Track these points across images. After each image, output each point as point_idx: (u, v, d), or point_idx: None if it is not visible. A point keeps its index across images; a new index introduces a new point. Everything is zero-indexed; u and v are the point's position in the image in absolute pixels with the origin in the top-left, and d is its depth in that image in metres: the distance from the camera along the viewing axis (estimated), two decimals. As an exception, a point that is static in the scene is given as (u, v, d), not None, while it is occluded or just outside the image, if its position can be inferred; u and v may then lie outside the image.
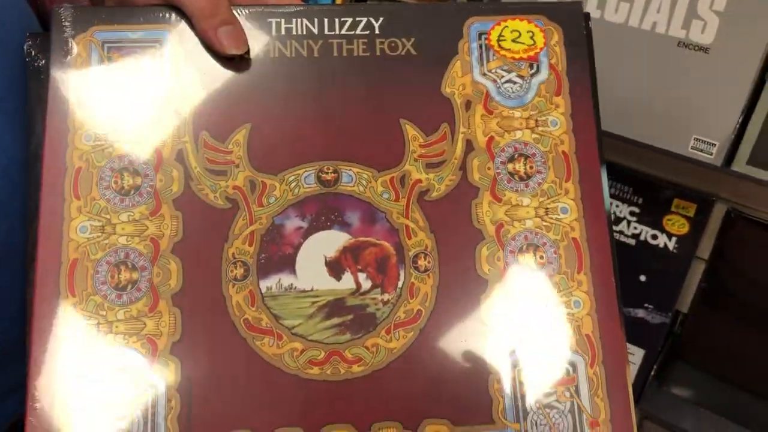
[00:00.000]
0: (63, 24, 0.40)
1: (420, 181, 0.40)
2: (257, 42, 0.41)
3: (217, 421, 0.36)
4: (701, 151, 0.69)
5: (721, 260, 0.80)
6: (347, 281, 0.39)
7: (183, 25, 0.41)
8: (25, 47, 0.41)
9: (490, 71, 0.42)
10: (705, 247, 0.81)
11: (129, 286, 0.37)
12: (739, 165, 0.68)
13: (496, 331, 0.38)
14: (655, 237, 0.82)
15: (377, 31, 0.42)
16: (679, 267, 0.81)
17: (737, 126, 0.66)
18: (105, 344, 0.37)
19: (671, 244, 0.81)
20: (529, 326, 0.38)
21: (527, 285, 0.39)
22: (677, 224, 0.80)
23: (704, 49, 0.66)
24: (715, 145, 0.68)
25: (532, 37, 0.42)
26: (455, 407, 0.37)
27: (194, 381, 0.36)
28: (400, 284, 0.39)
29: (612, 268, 0.39)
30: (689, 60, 0.67)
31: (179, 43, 0.41)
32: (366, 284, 0.39)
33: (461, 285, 0.39)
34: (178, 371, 0.36)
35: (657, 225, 0.82)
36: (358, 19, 0.42)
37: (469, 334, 0.38)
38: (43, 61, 0.40)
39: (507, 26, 0.42)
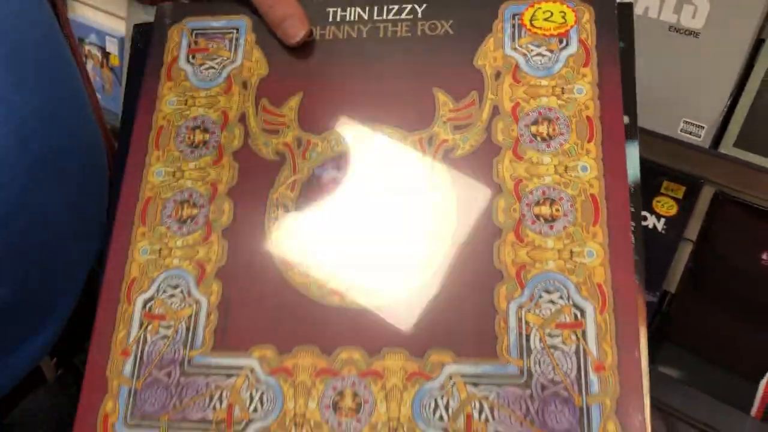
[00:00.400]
0: (164, 16, 0.50)
1: (446, 140, 0.43)
2: (316, 27, 0.48)
3: (246, 335, 0.41)
4: (690, 133, 0.71)
5: (708, 242, 0.82)
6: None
7: (255, 17, 0.49)
8: (132, 34, 0.51)
9: (520, 46, 0.45)
10: (693, 229, 0.83)
11: (189, 220, 0.44)
12: (727, 147, 0.69)
13: (505, 275, 0.40)
14: (644, 218, 0.84)
15: (420, 15, 0.47)
16: (667, 248, 0.83)
17: (725, 109, 0.68)
18: (164, 265, 0.44)
19: (660, 226, 0.83)
20: (539, 271, 0.40)
21: (540, 234, 0.40)
22: (666, 206, 0.82)
23: (695, 34, 0.67)
24: (703, 127, 0.70)
25: (563, 16, 0.45)
26: (460, 340, 0.39)
27: (232, 301, 0.42)
28: None
29: (629, 223, 0.41)
30: (680, 44, 0.68)
31: (252, 30, 0.49)
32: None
33: (475, 231, 0.41)
34: (219, 292, 0.43)
35: (647, 206, 0.84)
36: (403, 6, 0.47)
37: (479, 275, 0.40)
38: (145, 45, 0.50)
39: (540, 8, 0.45)
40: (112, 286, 0.44)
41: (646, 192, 0.84)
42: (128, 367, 0.42)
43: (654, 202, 0.82)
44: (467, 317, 0.39)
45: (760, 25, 0.65)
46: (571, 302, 0.39)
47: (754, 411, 0.80)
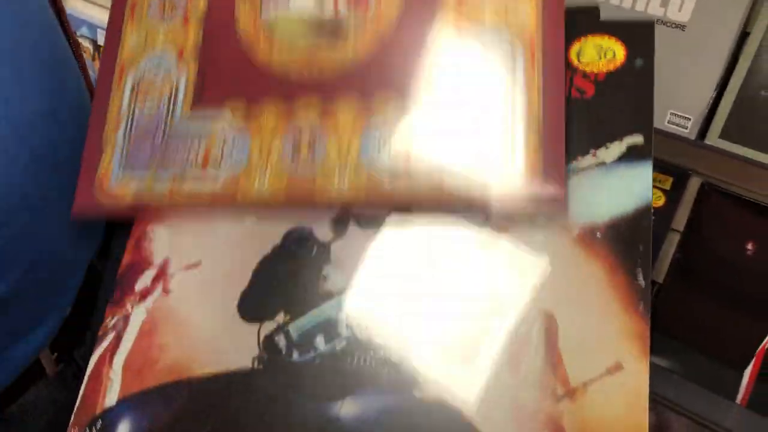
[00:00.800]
0: None
1: None
2: None
3: (219, 94, 0.47)
4: (677, 125, 0.72)
5: (695, 232, 0.84)
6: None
7: None
8: None
9: None
10: (680, 220, 0.84)
11: (171, 11, 0.48)
12: (713, 139, 0.71)
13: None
14: (632, 209, 0.85)
15: None
16: (655, 238, 0.84)
17: (711, 101, 0.69)
18: (152, 47, 0.49)
19: (648, 216, 0.84)
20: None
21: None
22: (654, 197, 0.83)
23: (681, 27, 0.68)
24: (689, 119, 0.71)
25: None
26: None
27: (207, 73, 0.48)
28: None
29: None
30: (667, 37, 0.69)
31: None
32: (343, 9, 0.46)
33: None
34: (195, 70, 0.47)
35: (635, 198, 0.85)
36: None
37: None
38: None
39: None
40: (107, 69, 0.49)
41: (634, 183, 0.85)
42: (120, 134, 0.46)
43: (642, 193, 0.83)
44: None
45: (744, 18, 0.66)
46: None
47: (739, 398, 0.82)
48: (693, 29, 0.67)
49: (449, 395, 0.39)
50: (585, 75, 0.45)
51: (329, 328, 0.41)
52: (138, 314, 0.44)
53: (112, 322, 0.44)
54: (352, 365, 0.41)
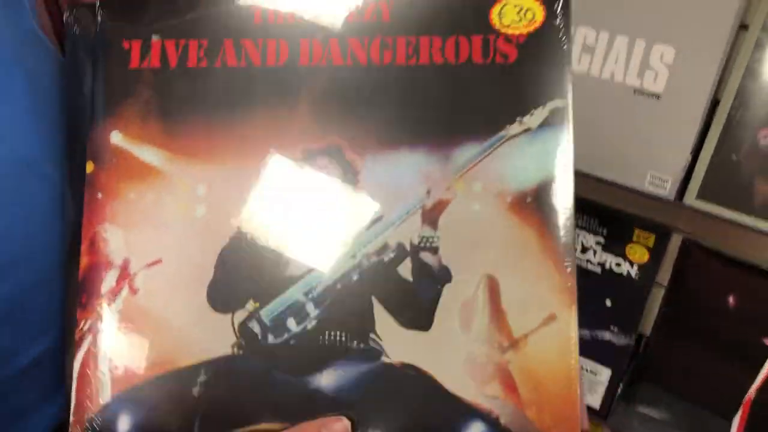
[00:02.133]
0: None
1: None
2: None
3: None
4: (657, 186, 0.76)
5: (679, 286, 0.87)
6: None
7: None
8: None
9: None
10: (664, 275, 0.88)
11: None
12: (690, 199, 0.75)
13: None
14: (618, 265, 0.89)
15: None
16: (640, 293, 0.88)
17: (687, 164, 0.74)
18: None
19: (633, 272, 0.88)
20: None
21: None
22: (638, 253, 0.87)
23: (656, 96, 0.73)
24: (668, 180, 0.75)
25: None
26: None
27: None
28: None
29: None
30: (644, 105, 0.74)
31: None
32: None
33: None
34: None
35: (620, 254, 0.89)
36: None
37: None
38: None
39: None
40: None
41: (619, 240, 0.89)
42: None
43: (627, 249, 0.88)
44: None
45: (714, 89, 0.71)
46: None
47: (728, 446, 0.84)
48: (667, 98, 0.73)
49: (413, 357, 0.43)
50: (507, 38, 0.46)
51: (298, 310, 0.44)
52: (110, 316, 0.45)
53: (87, 325, 0.44)
54: (325, 341, 0.44)
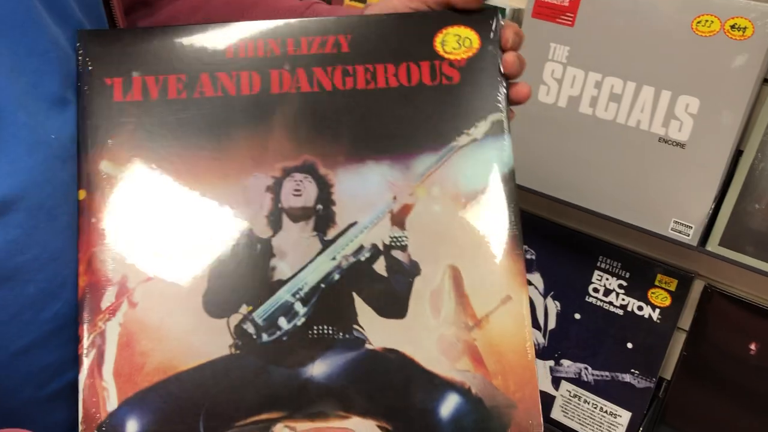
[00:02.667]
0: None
1: None
2: None
3: None
4: (680, 232, 0.79)
5: (700, 332, 0.89)
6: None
7: None
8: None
9: None
10: (686, 319, 0.90)
11: None
12: (713, 246, 0.77)
13: None
14: (640, 308, 0.91)
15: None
16: (662, 336, 0.90)
17: (710, 212, 0.76)
18: None
19: (655, 315, 0.90)
20: None
21: None
22: (660, 297, 0.90)
23: (681, 145, 0.77)
24: (691, 227, 0.78)
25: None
26: None
27: None
28: None
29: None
30: (668, 153, 0.78)
31: None
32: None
33: None
34: None
35: (642, 297, 0.91)
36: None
37: None
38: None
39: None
40: None
41: (641, 283, 0.91)
42: None
43: (649, 293, 0.90)
44: None
45: (737, 139, 0.74)
46: None
47: (746, 493, 0.85)
48: (692, 147, 0.76)
49: (393, 342, 0.51)
50: (450, 63, 0.54)
51: (288, 309, 0.51)
52: (112, 329, 0.49)
53: (89, 340, 0.48)
54: (314, 335, 0.51)
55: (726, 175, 0.77)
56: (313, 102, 0.52)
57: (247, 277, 0.50)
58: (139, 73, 0.52)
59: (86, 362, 0.48)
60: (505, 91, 0.54)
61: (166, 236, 0.50)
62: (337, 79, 0.53)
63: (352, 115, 0.53)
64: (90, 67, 0.52)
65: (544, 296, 1.02)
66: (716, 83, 0.74)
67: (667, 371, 0.94)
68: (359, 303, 0.51)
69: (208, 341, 0.49)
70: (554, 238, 1.00)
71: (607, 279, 0.96)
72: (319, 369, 0.50)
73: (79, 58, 0.52)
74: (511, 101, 0.54)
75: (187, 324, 0.49)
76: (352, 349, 0.50)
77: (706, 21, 0.72)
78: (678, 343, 0.93)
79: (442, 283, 0.51)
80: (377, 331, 0.51)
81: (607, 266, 0.95)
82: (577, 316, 0.98)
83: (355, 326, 0.51)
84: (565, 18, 0.81)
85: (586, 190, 0.85)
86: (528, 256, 1.01)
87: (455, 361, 0.50)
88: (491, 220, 0.52)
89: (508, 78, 0.54)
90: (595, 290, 0.96)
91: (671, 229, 0.80)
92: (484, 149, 0.53)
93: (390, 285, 0.51)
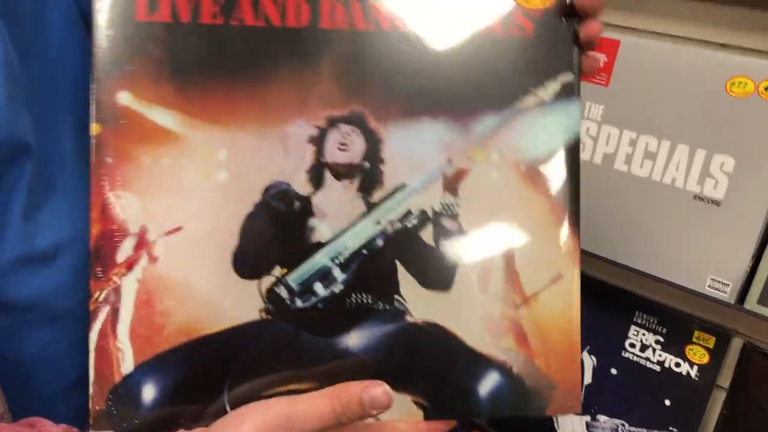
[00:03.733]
0: None
1: None
2: None
3: None
4: (717, 289, 0.78)
5: (740, 390, 0.87)
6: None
7: None
8: None
9: None
10: (725, 377, 0.88)
11: None
12: (751, 304, 0.77)
13: None
14: (678, 365, 0.90)
15: None
16: (701, 394, 0.89)
17: (748, 270, 0.76)
18: None
19: (693, 372, 0.89)
20: None
21: None
22: (698, 354, 0.88)
23: (716, 203, 0.77)
24: (729, 285, 0.77)
25: None
26: None
27: None
28: None
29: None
30: (704, 211, 0.78)
31: None
32: None
33: None
34: None
35: (680, 354, 0.90)
36: None
37: None
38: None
39: None
40: None
41: (679, 340, 0.90)
42: None
43: (687, 350, 0.89)
44: None
45: (775, 195, 0.74)
46: None
47: None
48: (727, 205, 0.76)
49: (435, 316, 0.47)
50: (525, 12, 0.49)
51: (325, 275, 0.47)
52: (129, 285, 0.44)
53: (102, 295, 0.44)
54: (352, 304, 0.47)
55: (764, 233, 0.76)
56: (368, 43, 0.46)
57: (283, 236, 0.45)
58: None
59: (98, 320, 0.43)
60: (578, 48, 0.49)
61: (193, 184, 0.44)
62: (396, 19, 0.46)
63: (410, 64, 0.47)
64: None
65: (580, 351, 1.01)
66: (751, 142, 0.73)
67: (707, 430, 0.92)
68: (402, 272, 0.47)
69: (237, 304, 0.44)
70: (590, 292, 0.98)
71: (643, 334, 0.94)
72: (355, 340, 0.46)
73: None
74: (582, 41, 0.49)
75: (214, 284, 0.44)
76: (392, 320, 0.46)
77: (740, 83, 0.73)
78: (717, 401, 0.89)
79: (493, 256, 0.47)
80: (419, 302, 0.47)
81: (644, 321, 0.93)
82: (614, 371, 0.97)
83: (397, 296, 0.46)
84: (600, 78, 0.82)
85: (622, 246, 0.84)
86: (563, 310, 1.00)
87: (499, 338, 0.47)
88: (551, 193, 0.48)
89: (586, 15, 0.48)
90: (632, 345, 0.95)
91: (708, 286, 0.80)
92: (552, 114, 0.48)
93: (437, 255, 0.47)
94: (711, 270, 0.79)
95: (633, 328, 0.94)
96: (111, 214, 0.44)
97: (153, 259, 0.44)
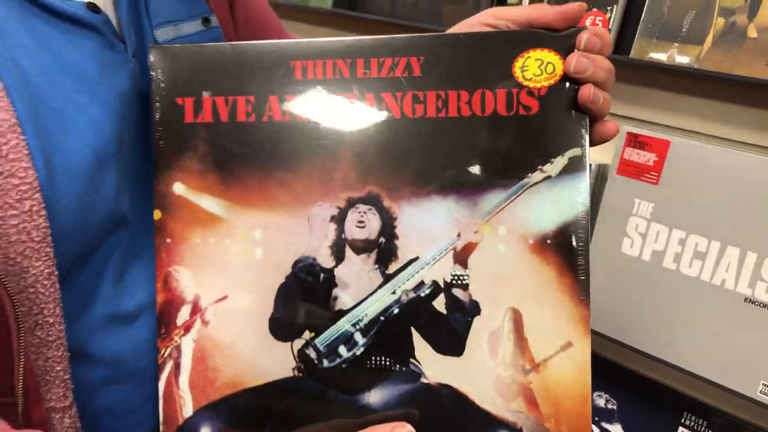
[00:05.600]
0: None
1: None
2: None
3: None
4: (768, 395, 0.75)
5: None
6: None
7: None
8: None
9: None
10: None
11: None
12: (807, 411, 0.74)
13: None
14: (730, 471, 0.86)
15: None
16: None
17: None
18: None
19: (746, 481, 0.85)
20: None
21: None
22: (752, 459, 0.84)
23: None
24: (781, 394, 0.75)
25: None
26: None
27: None
28: None
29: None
30: (756, 314, 0.77)
31: None
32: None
33: None
34: None
35: (731, 459, 0.86)
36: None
37: None
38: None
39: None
40: None
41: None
42: None
43: (739, 456, 0.85)
44: None
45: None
46: None
47: None
48: (782, 309, 0.74)
49: (448, 378, 0.51)
50: (529, 92, 0.50)
51: (348, 339, 0.52)
52: (187, 344, 0.52)
53: (167, 352, 0.52)
54: (372, 365, 0.51)
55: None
56: (380, 130, 0.51)
57: (311, 304, 0.51)
58: (209, 94, 0.51)
59: (165, 372, 0.52)
60: (587, 123, 0.50)
61: (234, 260, 0.51)
62: (406, 106, 0.51)
63: (419, 146, 0.50)
64: (162, 85, 0.52)
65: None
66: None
67: None
68: (417, 338, 0.51)
69: (273, 362, 0.51)
70: (637, 389, 0.97)
71: (693, 436, 0.91)
72: (375, 397, 0.51)
73: (152, 74, 0.51)
74: (594, 140, 0.50)
75: (255, 345, 0.51)
76: (408, 381, 0.50)
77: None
78: None
79: (502, 324, 0.50)
80: (433, 366, 0.51)
81: (692, 423, 0.92)
82: (660, 471, 0.93)
83: (412, 360, 0.51)
84: (650, 176, 0.83)
85: (671, 345, 0.84)
86: (609, 406, 0.99)
87: (509, 401, 0.50)
88: (559, 264, 0.50)
89: (590, 114, 0.50)
90: (680, 447, 0.91)
91: (760, 392, 0.77)
92: (559, 188, 0.50)
93: (449, 323, 0.51)
94: (763, 375, 0.76)
95: (681, 429, 0.91)
96: (171, 285, 0.52)
97: (205, 323, 0.52)
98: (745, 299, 0.77)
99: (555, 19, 0.50)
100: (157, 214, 0.52)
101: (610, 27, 0.88)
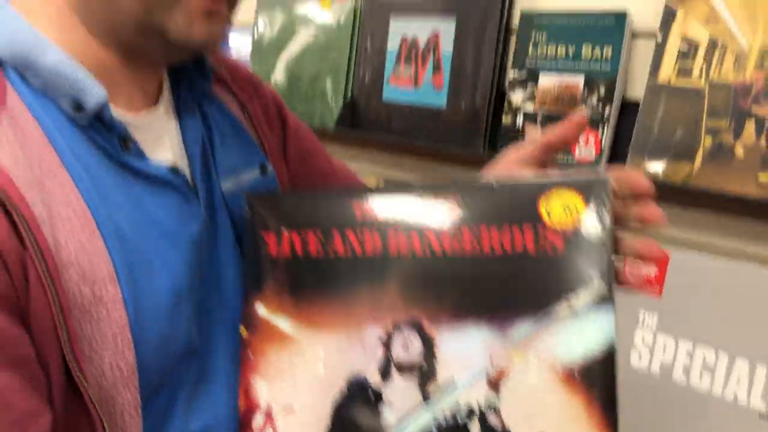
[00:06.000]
0: None
1: None
2: None
3: None
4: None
5: None
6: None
7: None
8: None
9: None
10: None
11: None
12: None
13: None
14: None
15: None
16: None
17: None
18: None
19: None
20: None
21: None
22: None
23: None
24: None
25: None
26: None
27: None
28: None
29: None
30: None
31: None
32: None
33: None
34: None
35: None
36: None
37: None
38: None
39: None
40: None
41: None
42: None
43: None
44: None
45: None
46: None
47: None
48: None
49: None
50: (555, 231, 0.54)
51: None
52: None
53: None
54: None
55: None
56: (423, 264, 0.56)
57: (360, 419, 0.56)
58: (286, 229, 0.59)
59: None
60: (610, 257, 0.53)
61: (301, 375, 0.58)
62: (445, 243, 0.55)
63: (457, 280, 0.55)
64: (253, 223, 0.60)
65: None
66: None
67: None
68: None
69: None
70: None
71: None
72: None
73: (246, 216, 0.60)
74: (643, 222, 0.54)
75: None
76: None
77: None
78: None
79: None
80: None
81: None
82: None
83: None
84: (652, 288, 0.83)
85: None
86: None
87: None
88: (587, 396, 0.52)
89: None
90: None
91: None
92: (585, 322, 0.52)
93: None
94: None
95: None
96: (251, 395, 0.59)
97: (275, 430, 0.58)
98: (760, 415, 0.75)
99: (572, 130, 0.58)
100: (243, 332, 0.59)
101: (602, 145, 0.92)
